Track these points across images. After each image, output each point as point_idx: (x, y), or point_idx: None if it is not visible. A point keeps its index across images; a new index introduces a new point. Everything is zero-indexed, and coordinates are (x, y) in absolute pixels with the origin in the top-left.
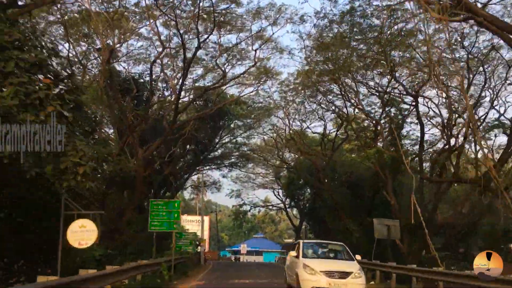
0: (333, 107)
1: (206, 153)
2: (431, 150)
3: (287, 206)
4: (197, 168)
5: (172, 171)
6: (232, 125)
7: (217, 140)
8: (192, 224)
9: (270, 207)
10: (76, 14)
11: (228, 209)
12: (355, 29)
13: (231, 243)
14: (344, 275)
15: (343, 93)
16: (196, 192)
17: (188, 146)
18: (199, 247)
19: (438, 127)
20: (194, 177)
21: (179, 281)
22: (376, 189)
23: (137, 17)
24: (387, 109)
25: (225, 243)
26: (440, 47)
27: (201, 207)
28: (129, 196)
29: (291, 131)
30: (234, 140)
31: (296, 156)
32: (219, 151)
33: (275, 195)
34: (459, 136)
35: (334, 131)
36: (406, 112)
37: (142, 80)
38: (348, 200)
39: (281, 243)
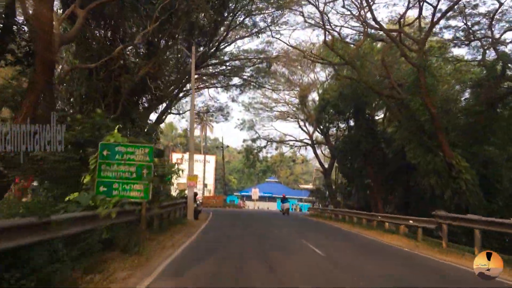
0: None
1: (208, 48)
2: None
3: (315, 142)
4: (196, 75)
5: (153, 72)
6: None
7: (223, 29)
8: (194, 165)
9: (292, 143)
10: None
11: (237, 152)
12: None
13: (240, 187)
14: None
15: None
16: (198, 121)
17: (179, 33)
18: (185, 190)
19: None
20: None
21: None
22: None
23: None
24: None
25: (233, 187)
26: None
27: (204, 143)
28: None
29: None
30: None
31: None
32: (227, 56)
33: (300, 126)
34: None
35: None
36: None
37: None
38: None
39: (296, 188)
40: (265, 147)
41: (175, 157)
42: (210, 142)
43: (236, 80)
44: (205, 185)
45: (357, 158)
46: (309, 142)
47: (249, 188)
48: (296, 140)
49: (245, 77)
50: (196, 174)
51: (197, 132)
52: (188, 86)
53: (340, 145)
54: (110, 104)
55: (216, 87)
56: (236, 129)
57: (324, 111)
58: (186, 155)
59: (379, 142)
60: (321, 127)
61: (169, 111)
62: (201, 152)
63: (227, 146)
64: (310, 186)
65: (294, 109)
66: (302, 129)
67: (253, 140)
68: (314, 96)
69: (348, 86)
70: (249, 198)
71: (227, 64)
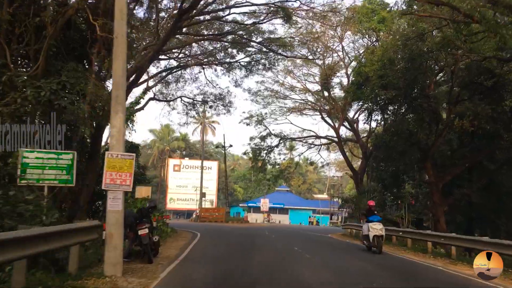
0: None
1: None
2: None
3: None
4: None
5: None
6: None
7: None
8: (193, 172)
9: (311, 140)
10: None
11: (243, 160)
12: None
13: (247, 197)
14: None
15: None
16: (198, 120)
17: None
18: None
19: None
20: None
21: None
22: None
23: None
24: None
25: (238, 198)
26: None
27: (204, 147)
28: None
29: None
30: None
31: None
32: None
33: (322, 118)
34: None
35: None
36: None
37: None
38: None
39: (310, 198)
40: (277, 146)
41: (172, 163)
42: (213, 148)
43: (240, 66)
44: (203, 195)
45: (408, 155)
46: (330, 139)
47: (257, 199)
48: (318, 136)
49: (254, 46)
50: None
51: (197, 136)
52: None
53: (379, 139)
54: (27, 55)
55: (215, 64)
56: (242, 126)
57: (361, 91)
58: (185, 161)
59: (442, 132)
60: (351, 118)
61: (146, 89)
62: (201, 157)
63: (230, 146)
64: (324, 196)
65: (313, 99)
66: (325, 121)
67: (262, 138)
68: (341, 77)
69: (400, 50)
70: (257, 209)
71: (225, 20)
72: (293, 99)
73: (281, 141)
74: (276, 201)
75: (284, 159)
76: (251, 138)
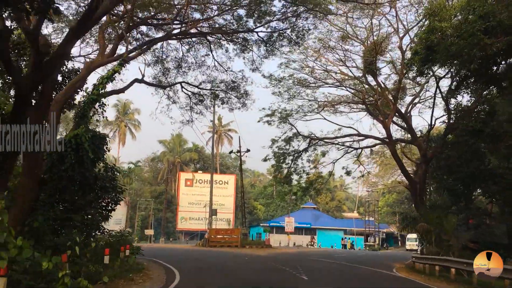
0: None
1: None
2: None
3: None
4: None
5: None
6: None
7: None
8: (207, 187)
9: (349, 143)
10: None
11: (264, 177)
12: None
13: (268, 216)
14: None
15: None
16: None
17: None
18: None
19: None
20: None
21: None
22: None
23: None
24: None
25: (259, 217)
26: None
27: (212, 149)
28: None
29: None
30: None
31: None
32: None
33: (367, 109)
34: None
35: None
36: None
37: None
38: None
39: (339, 217)
40: (306, 150)
41: (183, 177)
42: (230, 160)
43: (257, 41)
44: (213, 213)
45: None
46: (378, 138)
47: (280, 217)
48: (361, 135)
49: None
50: None
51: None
52: None
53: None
54: None
55: (223, 35)
56: (261, 127)
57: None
58: (199, 175)
59: None
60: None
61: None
62: (212, 169)
63: (248, 151)
64: (355, 214)
65: (352, 85)
66: (370, 113)
67: (287, 140)
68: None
69: None
70: (280, 229)
71: None
72: (328, 84)
73: (311, 144)
74: (302, 220)
75: (313, 167)
76: (273, 141)
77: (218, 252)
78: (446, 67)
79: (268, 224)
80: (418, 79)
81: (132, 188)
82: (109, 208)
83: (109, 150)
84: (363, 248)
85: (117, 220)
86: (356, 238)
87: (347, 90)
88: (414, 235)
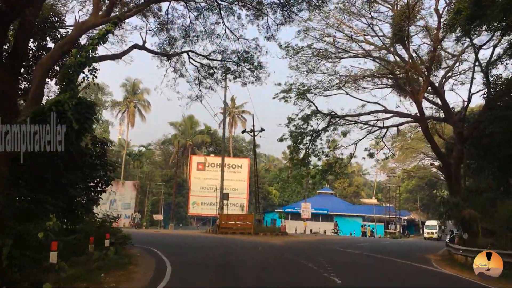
0: None
1: None
2: None
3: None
4: None
5: None
6: None
7: None
8: (215, 171)
9: (373, 121)
10: None
11: (278, 162)
12: None
13: (284, 202)
14: None
15: None
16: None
17: None
18: None
19: None
20: None
21: None
22: None
23: None
24: None
25: (273, 202)
26: None
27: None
28: None
29: None
30: None
31: None
32: None
33: (396, 84)
34: None
35: None
36: None
37: None
38: None
39: (357, 203)
40: (325, 129)
41: (195, 161)
42: (244, 144)
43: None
44: (224, 197)
45: None
46: (408, 115)
47: (296, 203)
48: (389, 112)
49: None
50: None
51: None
52: None
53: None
54: None
55: (237, 2)
56: (277, 104)
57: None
58: (211, 159)
59: None
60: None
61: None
62: (230, 154)
63: (262, 130)
64: (373, 200)
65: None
66: (399, 87)
67: (305, 119)
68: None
69: None
70: (296, 216)
71: None
72: (351, 54)
73: (331, 123)
74: (319, 206)
75: (333, 148)
76: (290, 119)
77: (228, 240)
78: (496, 25)
79: (283, 210)
80: (457, 47)
81: (143, 171)
82: (99, 189)
83: (98, 121)
84: (383, 236)
85: (125, 204)
86: (376, 225)
87: (374, 61)
88: (433, 222)
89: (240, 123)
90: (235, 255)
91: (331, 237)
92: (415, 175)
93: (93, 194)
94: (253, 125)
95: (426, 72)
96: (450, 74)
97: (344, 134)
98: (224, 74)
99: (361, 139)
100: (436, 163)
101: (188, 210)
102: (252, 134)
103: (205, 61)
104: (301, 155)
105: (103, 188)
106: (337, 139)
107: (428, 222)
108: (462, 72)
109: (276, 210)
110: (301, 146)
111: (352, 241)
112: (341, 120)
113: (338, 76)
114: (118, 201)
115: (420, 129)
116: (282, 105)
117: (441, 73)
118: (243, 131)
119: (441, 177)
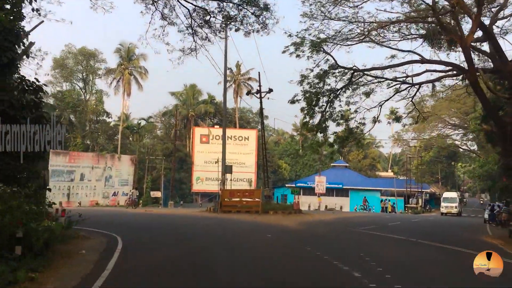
0: None
1: None
2: None
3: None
4: None
5: None
6: None
7: None
8: (219, 144)
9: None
10: None
11: (287, 135)
12: None
13: (295, 176)
14: None
15: None
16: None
17: None
18: None
19: None
20: None
21: None
22: None
23: None
24: None
25: (284, 176)
26: None
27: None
28: None
29: None
30: None
31: None
32: None
33: (438, 21)
34: None
35: None
36: None
37: None
38: None
39: (373, 177)
40: (347, 86)
41: (198, 133)
42: (252, 116)
43: None
44: (227, 170)
45: None
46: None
47: (308, 177)
48: (430, 62)
49: None
50: None
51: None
52: None
53: None
54: None
55: None
56: (287, 60)
57: None
58: (215, 130)
59: None
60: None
61: None
62: (236, 125)
63: (270, 91)
64: (389, 173)
65: None
66: (443, 30)
67: (321, 76)
68: None
69: None
70: (308, 191)
71: None
72: None
73: (351, 81)
74: (333, 180)
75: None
76: (303, 77)
77: (229, 222)
78: None
79: (294, 185)
80: None
81: (144, 145)
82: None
83: (27, 55)
84: (404, 211)
85: (122, 181)
86: (397, 200)
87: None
88: (452, 194)
89: (246, 91)
90: (235, 250)
91: (351, 215)
92: (435, 144)
93: (16, 163)
94: (259, 86)
95: (476, 8)
96: (502, 14)
97: (367, 94)
98: (223, 24)
99: (387, 100)
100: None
101: (191, 186)
102: (258, 96)
103: (200, 2)
104: (317, 120)
105: (42, 152)
106: (358, 101)
107: (446, 194)
108: None
109: (287, 185)
110: (316, 109)
111: (379, 219)
112: (363, 78)
113: (360, 23)
114: (114, 177)
115: (458, 87)
116: (293, 64)
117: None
118: (248, 92)
119: (461, 148)
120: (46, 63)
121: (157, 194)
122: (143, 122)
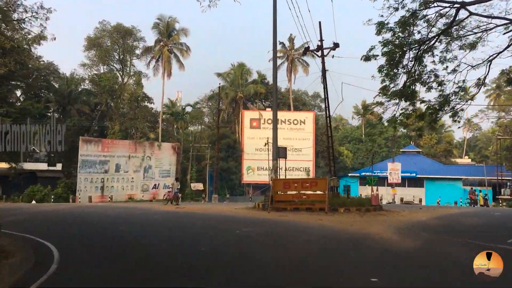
0: None
1: None
2: None
3: None
4: None
5: None
6: None
7: None
8: (279, 128)
9: None
10: None
11: (345, 121)
12: None
13: (358, 165)
14: None
15: None
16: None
17: None
18: None
19: None
20: None
21: None
22: None
23: None
24: None
25: (346, 164)
26: None
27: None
28: None
29: None
30: None
31: None
32: None
33: None
34: None
35: None
36: None
37: None
38: None
39: (449, 164)
40: (448, 31)
41: (248, 117)
42: (308, 98)
43: None
44: (280, 154)
45: None
46: None
47: (375, 165)
48: None
49: None
50: None
51: (283, 81)
52: None
53: None
54: None
55: None
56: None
57: None
58: (267, 113)
59: None
60: None
61: None
62: (290, 108)
63: (335, 46)
64: (467, 160)
65: None
66: None
67: (405, 23)
68: None
69: None
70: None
71: None
72: None
73: (453, 25)
74: (405, 168)
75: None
76: (381, 24)
77: (283, 231)
78: None
79: (358, 174)
80: None
81: (189, 134)
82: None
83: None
84: (495, 204)
85: (163, 172)
86: (482, 189)
87: None
88: None
89: (302, 69)
90: None
91: (454, 211)
92: None
93: None
94: (321, 40)
95: None
96: None
97: (473, 45)
98: None
99: (501, 52)
100: None
101: (242, 176)
102: (319, 54)
103: None
104: (401, 84)
105: None
106: (456, 56)
107: None
108: None
109: (350, 175)
110: (399, 68)
111: (495, 219)
112: (468, 19)
113: None
114: (154, 168)
115: None
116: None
117: None
118: (306, 50)
119: None
120: (76, 41)
121: (199, 186)
122: (188, 108)
